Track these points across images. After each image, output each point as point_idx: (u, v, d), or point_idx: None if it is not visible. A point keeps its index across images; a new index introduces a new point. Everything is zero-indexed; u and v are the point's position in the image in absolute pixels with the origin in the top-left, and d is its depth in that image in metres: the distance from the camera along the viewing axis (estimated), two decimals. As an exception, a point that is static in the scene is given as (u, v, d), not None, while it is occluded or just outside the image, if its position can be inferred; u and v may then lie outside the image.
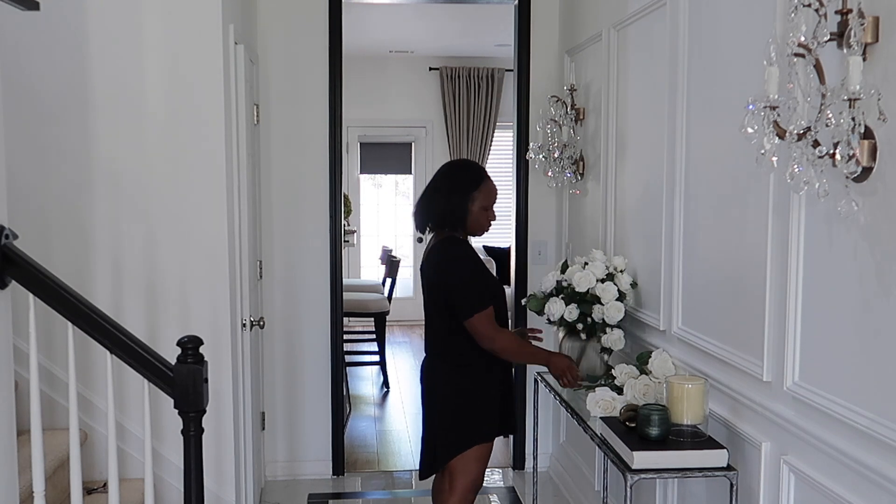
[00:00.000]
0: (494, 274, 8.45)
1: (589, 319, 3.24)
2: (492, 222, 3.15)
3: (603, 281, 3.24)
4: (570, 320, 3.22)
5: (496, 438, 3.19)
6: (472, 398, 3.07)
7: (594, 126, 3.92)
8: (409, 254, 9.32)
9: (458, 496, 3.07)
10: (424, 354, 3.23)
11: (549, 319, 3.34)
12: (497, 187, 3.15)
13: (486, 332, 2.98)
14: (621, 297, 3.24)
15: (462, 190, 3.05)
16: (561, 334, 3.38)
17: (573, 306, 3.22)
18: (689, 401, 2.46)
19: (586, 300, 3.22)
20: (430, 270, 3.10)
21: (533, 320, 3.90)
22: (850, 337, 1.92)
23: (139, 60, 3.18)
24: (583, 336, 3.25)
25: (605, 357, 3.31)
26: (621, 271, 3.30)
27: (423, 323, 3.23)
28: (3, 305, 2.15)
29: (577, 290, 3.22)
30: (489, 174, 3.16)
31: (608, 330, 3.23)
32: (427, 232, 3.15)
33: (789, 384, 2.17)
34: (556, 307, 3.23)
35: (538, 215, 4.66)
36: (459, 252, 3.08)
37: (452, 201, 3.04)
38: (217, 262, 3.27)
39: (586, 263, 3.35)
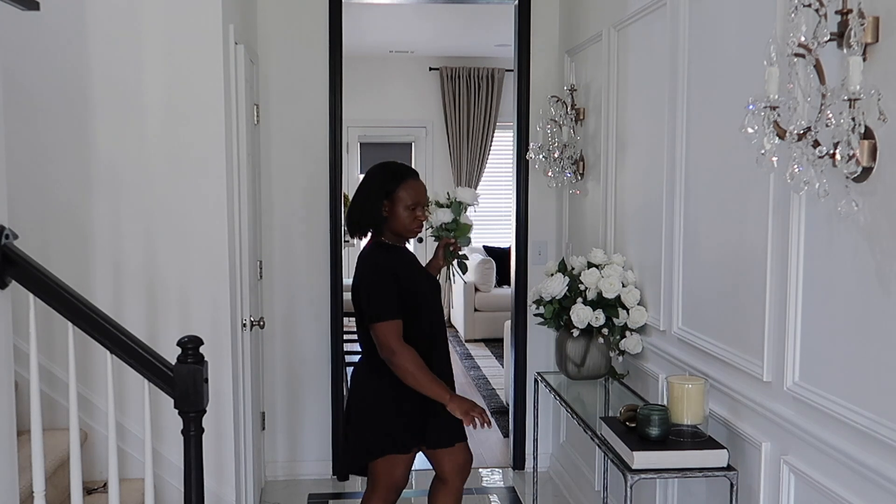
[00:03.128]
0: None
1: (610, 323, 3.24)
2: (422, 223, 3.00)
3: (624, 285, 3.25)
4: (596, 325, 3.21)
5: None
6: (388, 406, 2.94)
7: (594, 126, 3.92)
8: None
9: (378, 499, 3.02)
10: None
11: (562, 324, 3.31)
12: (425, 187, 3.00)
13: (385, 342, 2.82)
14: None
15: (378, 191, 2.93)
16: (557, 333, 3.38)
17: (600, 311, 3.21)
18: (689, 401, 2.46)
19: (611, 305, 3.23)
20: (355, 273, 3.02)
21: (533, 321, 3.90)
22: (850, 337, 1.92)
23: (139, 60, 3.18)
24: (600, 340, 3.24)
25: (620, 359, 3.32)
26: (633, 284, 3.31)
27: None
28: (3, 305, 2.15)
29: (605, 295, 3.22)
30: (418, 173, 3.03)
31: (628, 334, 3.24)
32: (361, 237, 3.04)
33: (789, 384, 2.17)
34: (584, 313, 3.20)
35: (538, 215, 4.66)
36: (376, 257, 2.95)
37: (368, 203, 2.94)
38: (217, 262, 3.27)
39: (591, 265, 3.35)
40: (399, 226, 2.93)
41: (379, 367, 2.91)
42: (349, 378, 3.09)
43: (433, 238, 3.29)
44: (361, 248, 3.09)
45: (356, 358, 7.44)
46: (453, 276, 3.27)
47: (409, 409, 2.94)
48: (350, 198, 3.20)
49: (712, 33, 2.66)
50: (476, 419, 2.83)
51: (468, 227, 3.23)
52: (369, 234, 3.03)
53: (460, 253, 3.25)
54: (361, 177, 3.05)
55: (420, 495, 4.39)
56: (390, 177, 2.96)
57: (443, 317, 3.12)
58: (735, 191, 2.49)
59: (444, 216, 3.19)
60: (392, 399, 2.93)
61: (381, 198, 2.92)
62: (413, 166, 9.24)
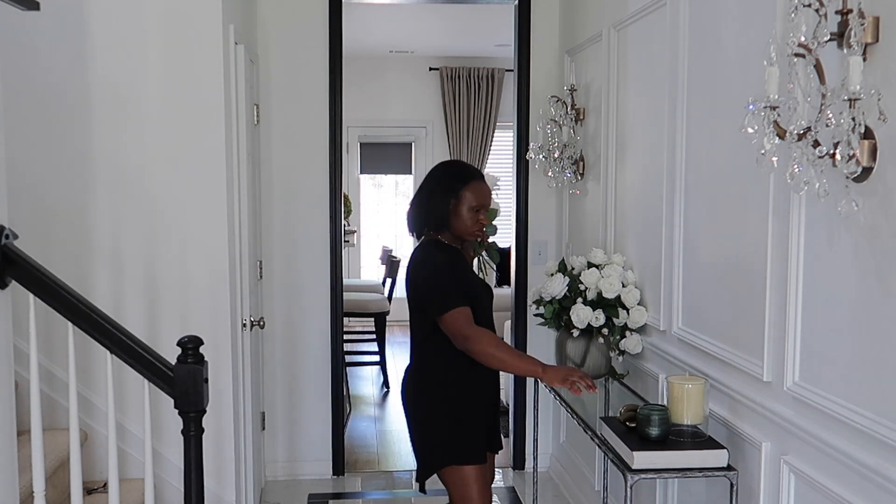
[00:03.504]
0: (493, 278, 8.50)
1: (610, 323, 3.24)
2: (483, 227, 2.88)
3: (624, 285, 3.25)
4: (596, 325, 3.21)
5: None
6: (454, 421, 2.82)
7: (594, 126, 3.92)
8: (409, 254, 9.30)
9: None
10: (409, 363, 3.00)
11: (562, 325, 3.31)
12: (490, 189, 2.92)
13: (458, 330, 2.65)
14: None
15: (445, 189, 2.82)
16: (557, 333, 3.38)
17: (599, 311, 3.21)
18: (689, 401, 2.46)
19: (611, 305, 3.23)
20: (408, 272, 2.90)
21: (533, 321, 3.90)
22: (850, 337, 1.92)
23: (139, 60, 3.18)
24: (600, 340, 3.24)
25: (620, 358, 3.32)
26: (634, 285, 3.30)
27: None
28: (3, 305, 2.15)
29: (605, 295, 3.21)
30: (483, 175, 2.95)
31: (628, 334, 3.24)
32: (420, 235, 2.95)
33: (789, 384, 2.17)
34: (584, 313, 3.20)
35: (538, 215, 4.66)
36: (435, 255, 2.84)
37: (434, 201, 2.84)
38: (217, 262, 3.27)
39: (591, 265, 3.35)
40: (461, 227, 2.82)
41: (442, 383, 2.83)
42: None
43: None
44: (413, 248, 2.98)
45: (356, 358, 7.35)
46: (484, 267, 3.18)
47: (475, 424, 2.86)
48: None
49: (712, 33, 2.66)
50: (579, 384, 2.61)
51: (494, 213, 3.01)
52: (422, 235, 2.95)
53: (489, 241, 3.05)
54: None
55: (420, 495, 4.39)
56: (457, 176, 2.85)
57: (493, 324, 2.98)
58: (735, 191, 2.49)
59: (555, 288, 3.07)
60: (445, 413, 2.83)
61: (448, 196, 2.81)
62: (413, 166, 9.33)
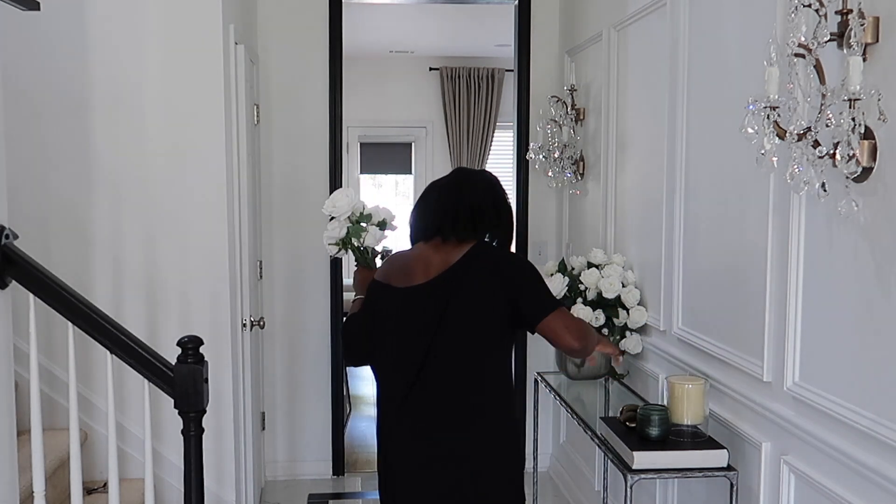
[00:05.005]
0: None
1: (610, 324, 3.24)
2: None
3: (624, 286, 3.25)
4: (596, 326, 3.21)
5: None
6: (518, 451, 2.38)
7: (594, 126, 3.92)
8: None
9: None
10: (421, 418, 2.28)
11: None
12: None
13: (577, 324, 2.28)
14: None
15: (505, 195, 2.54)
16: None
17: (599, 311, 3.21)
18: (690, 401, 2.46)
19: (611, 305, 3.23)
20: (483, 274, 2.28)
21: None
22: (850, 337, 1.92)
23: (139, 60, 3.18)
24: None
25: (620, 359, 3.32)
26: (633, 284, 3.30)
27: (412, 360, 2.28)
28: (3, 305, 2.15)
29: (605, 295, 3.21)
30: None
31: (628, 334, 3.24)
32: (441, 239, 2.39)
33: (789, 384, 2.17)
34: (584, 313, 3.20)
35: (538, 215, 4.66)
36: (514, 252, 2.56)
37: (507, 206, 2.51)
38: (217, 262, 3.27)
39: (591, 265, 3.35)
40: (513, 231, 2.56)
41: (500, 405, 2.32)
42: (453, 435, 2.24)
43: (337, 247, 2.79)
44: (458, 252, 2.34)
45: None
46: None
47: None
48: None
49: (712, 33, 2.66)
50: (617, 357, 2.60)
51: (360, 229, 2.72)
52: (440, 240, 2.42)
53: (363, 248, 2.72)
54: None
55: None
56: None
57: None
58: (735, 191, 2.49)
59: (335, 232, 2.74)
60: (519, 442, 2.42)
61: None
62: (413, 166, 9.33)
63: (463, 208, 2.39)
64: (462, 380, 2.27)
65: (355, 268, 2.69)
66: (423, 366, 2.26)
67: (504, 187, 2.52)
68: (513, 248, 2.68)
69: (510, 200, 2.53)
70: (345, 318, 2.52)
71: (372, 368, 2.45)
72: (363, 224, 2.71)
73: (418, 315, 2.29)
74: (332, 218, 2.71)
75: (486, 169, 2.66)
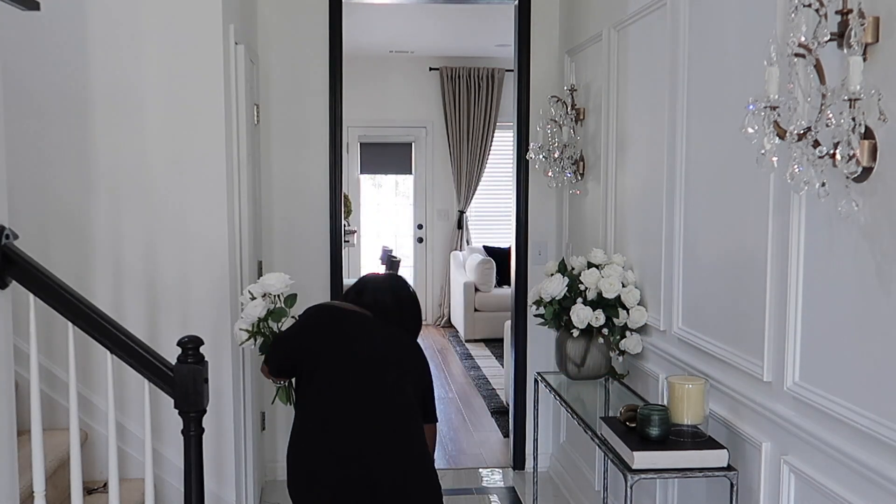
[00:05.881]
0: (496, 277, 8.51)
1: (610, 323, 3.24)
2: None
3: (624, 286, 3.25)
4: (596, 325, 3.21)
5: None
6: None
7: (594, 126, 3.92)
8: (409, 254, 9.33)
9: None
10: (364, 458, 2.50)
11: (562, 325, 3.31)
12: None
13: (434, 439, 2.81)
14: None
15: None
16: (558, 333, 3.38)
17: (599, 311, 3.21)
18: (690, 401, 2.46)
19: (611, 305, 3.23)
20: (412, 354, 2.72)
21: (533, 321, 3.90)
22: (850, 337, 1.92)
23: (139, 60, 3.18)
24: (600, 340, 3.24)
25: (620, 358, 3.32)
26: (633, 284, 3.30)
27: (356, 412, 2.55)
28: (3, 305, 2.15)
29: (605, 295, 3.21)
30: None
31: (628, 334, 3.24)
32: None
33: (789, 384, 2.17)
34: (584, 313, 3.20)
35: (538, 215, 4.66)
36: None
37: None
38: (217, 262, 3.27)
39: (591, 265, 3.35)
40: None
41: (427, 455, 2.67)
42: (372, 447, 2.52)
43: (249, 334, 2.85)
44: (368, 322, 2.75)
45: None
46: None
47: None
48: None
49: (712, 33, 2.66)
50: None
51: (283, 312, 2.85)
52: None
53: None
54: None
55: None
56: None
57: None
58: (735, 191, 2.49)
59: (256, 310, 2.81)
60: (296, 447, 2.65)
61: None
62: (413, 166, 9.33)
63: (402, 317, 2.81)
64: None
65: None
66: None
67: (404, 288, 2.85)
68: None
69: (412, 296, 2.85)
70: None
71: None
72: (285, 307, 2.86)
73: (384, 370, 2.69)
74: (252, 299, 2.82)
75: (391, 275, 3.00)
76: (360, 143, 9.26)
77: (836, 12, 1.78)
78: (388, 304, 2.77)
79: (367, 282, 2.88)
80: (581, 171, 4.06)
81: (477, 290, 8.48)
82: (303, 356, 2.64)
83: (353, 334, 2.66)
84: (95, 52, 3.15)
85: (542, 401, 4.08)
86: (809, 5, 1.75)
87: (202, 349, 2.31)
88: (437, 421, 2.79)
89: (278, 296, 2.85)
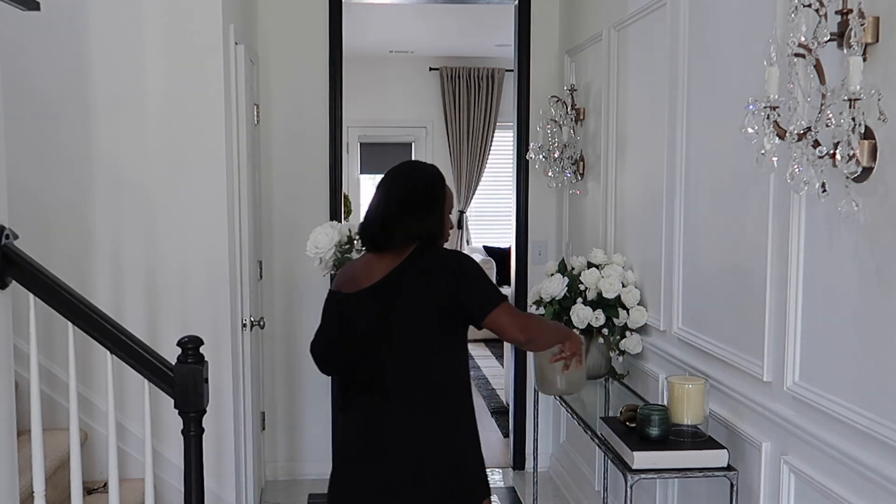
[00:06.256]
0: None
1: (610, 323, 3.24)
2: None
3: (624, 286, 3.25)
4: (596, 326, 3.21)
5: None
6: (475, 446, 2.46)
7: (594, 126, 3.92)
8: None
9: None
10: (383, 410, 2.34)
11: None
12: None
13: (519, 318, 2.36)
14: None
15: (441, 195, 2.46)
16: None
17: (599, 311, 3.21)
18: (690, 401, 2.46)
19: (611, 305, 3.23)
20: (423, 277, 2.33)
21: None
22: (850, 337, 1.92)
23: (139, 60, 3.18)
24: (600, 340, 3.24)
25: (620, 358, 3.32)
26: (633, 285, 3.30)
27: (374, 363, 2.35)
28: (3, 305, 2.15)
29: (605, 295, 3.21)
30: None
31: (628, 334, 3.24)
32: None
33: (789, 384, 2.16)
34: (584, 313, 3.20)
35: (538, 215, 4.66)
36: (455, 251, 2.53)
37: (439, 208, 2.44)
38: (217, 262, 3.27)
39: (591, 265, 3.35)
40: (447, 233, 2.49)
41: (454, 396, 2.38)
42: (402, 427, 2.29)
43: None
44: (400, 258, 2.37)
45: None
46: None
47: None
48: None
49: (712, 33, 2.66)
50: (571, 358, 2.50)
51: (346, 258, 2.90)
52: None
53: None
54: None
55: None
56: (441, 179, 2.49)
57: None
58: (735, 191, 2.49)
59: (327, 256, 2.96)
60: (474, 438, 2.45)
61: (443, 202, 2.45)
62: (413, 166, 9.32)
63: (382, 219, 2.39)
64: (411, 379, 2.33)
65: None
66: (375, 367, 2.34)
67: (433, 181, 2.46)
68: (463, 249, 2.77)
69: (437, 196, 2.45)
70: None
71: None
72: (353, 244, 2.91)
73: (363, 318, 2.38)
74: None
75: (419, 163, 2.57)
76: (360, 143, 9.26)
77: (836, 12, 1.78)
78: (374, 219, 2.39)
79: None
80: (581, 171, 4.06)
81: (477, 289, 8.47)
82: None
83: (348, 314, 2.43)
84: (95, 52, 3.15)
85: (542, 401, 4.08)
86: (809, 5, 1.75)
87: (202, 349, 2.31)
88: (501, 301, 2.30)
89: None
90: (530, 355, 4.63)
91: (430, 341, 2.34)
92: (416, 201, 2.41)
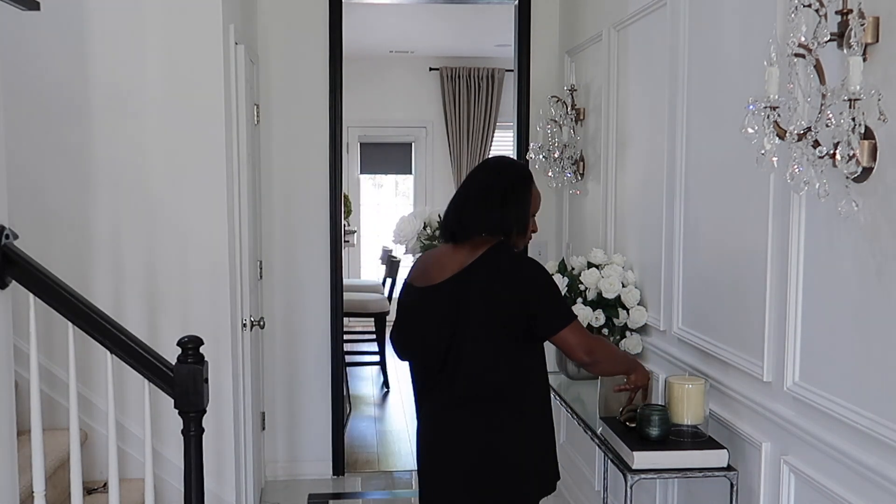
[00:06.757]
0: None
1: (610, 324, 3.24)
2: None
3: (624, 286, 3.25)
4: (596, 326, 3.21)
5: None
6: (550, 448, 2.52)
7: (594, 126, 3.92)
8: (409, 254, 9.32)
9: None
10: (432, 404, 2.45)
11: None
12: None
13: (585, 340, 2.36)
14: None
15: (526, 190, 2.46)
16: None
17: (599, 311, 3.21)
18: (690, 401, 2.46)
19: (611, 305, 3.23)
20: (494, 281, 2.32)
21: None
22: (851, 337, 1.92)
23: (139, 60, 3.18)
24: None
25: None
26: (633, 285, 3.29)
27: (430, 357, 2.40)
28: (3, 305, 2.15)
29: (604, 295, 3.21)
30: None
31: (628, 334, 3.24)
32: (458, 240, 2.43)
33: (789, 384, 2.17)
34: (584, 313, 3.20)
35: (538, 215, 4.64)
36: (527, 258, 2.52)
37: (522, 203, 2.43)
38: (217, 262, 3.27)
39: (591, 265, 3.35)
40: (528, 232, 2.49)
41: (520, 402, 2.39)
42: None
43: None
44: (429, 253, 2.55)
45: (356, 358, 7.30)
46: None
47: (553, 444, 2.57)
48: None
49: (712, 33, 2.66)
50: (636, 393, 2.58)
51: (430, 245, 2.99)
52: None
53: None
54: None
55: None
56: (529, 176, 2.49)
57: None
58: (735, 191, 2.49)
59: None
60: (541, 443, 2.48)
61: (528, 198, 2.45)
62: (413, 166, 9.33)
63: (459, 209, 2.44)
64: (469, 381, 2.35)
65: None
66: (444, 361, 2.36)
67: (517, 176, 2.46)
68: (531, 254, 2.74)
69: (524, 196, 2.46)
70: None
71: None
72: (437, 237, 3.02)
73: (433, 313, 2.39)
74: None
75: (506, 159, 2.60)
76: (360, 143, 9.26)
77: (836, 12, 1.78)
78: (452, 209, 2.42)
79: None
80: (581, 171, 4.06)
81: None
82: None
83: (417, 308, 2.46)
84: (95, 52, 3.15)
85: (542, 401, 4.07)
86: (809, 5, 1.75)
87: (202, 349, 2.31)
88: (571, 320, 2.33)
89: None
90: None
91: (491, 345, 2.32)
92: (495, 195, 2.41)
